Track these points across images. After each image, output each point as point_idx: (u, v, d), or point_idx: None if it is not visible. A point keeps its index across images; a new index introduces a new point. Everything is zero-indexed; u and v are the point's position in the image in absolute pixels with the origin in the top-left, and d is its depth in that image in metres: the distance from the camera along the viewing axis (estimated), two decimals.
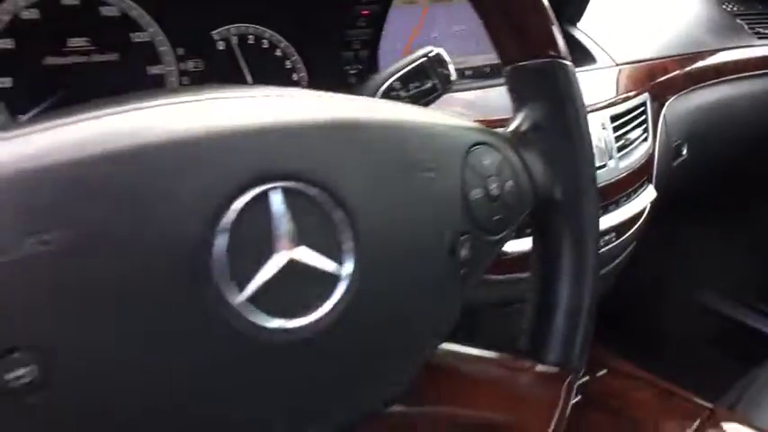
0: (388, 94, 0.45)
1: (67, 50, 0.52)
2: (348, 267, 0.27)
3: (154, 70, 0.56)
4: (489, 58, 0.77)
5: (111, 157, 0.23)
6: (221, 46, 0.59)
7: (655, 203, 0.79)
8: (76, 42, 0.52)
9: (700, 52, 0.98)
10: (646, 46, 0.88)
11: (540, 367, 0.39)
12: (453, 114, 0.36)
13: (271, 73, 0.62)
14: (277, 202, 0.26)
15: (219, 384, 0.25)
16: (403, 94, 0.46)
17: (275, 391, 0.26)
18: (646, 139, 0.78)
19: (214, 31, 0.59)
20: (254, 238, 0.25)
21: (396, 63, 0.47)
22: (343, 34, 0.64)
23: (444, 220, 0.32)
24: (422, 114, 0.34)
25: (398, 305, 0.30)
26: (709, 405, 0.75)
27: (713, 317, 1.38)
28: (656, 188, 0.81)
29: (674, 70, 0.90)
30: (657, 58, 0.88)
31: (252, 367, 0.25)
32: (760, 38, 1.10)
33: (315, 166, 0.27)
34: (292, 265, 0.26)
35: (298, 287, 0.26)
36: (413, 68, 0.46)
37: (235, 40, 0.60)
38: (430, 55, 0.46)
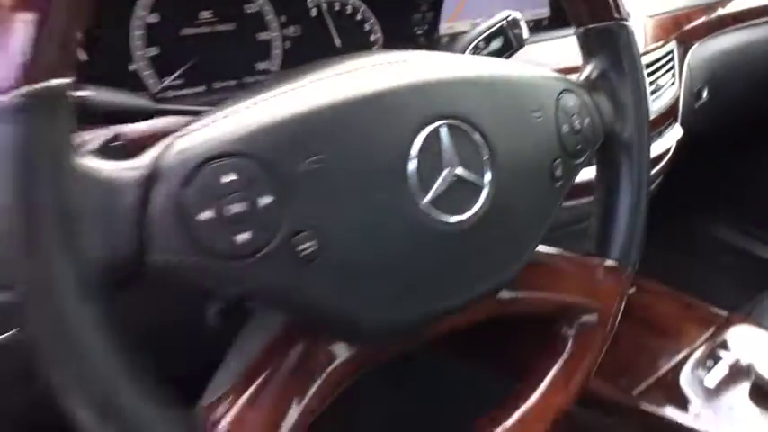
0: (474, 52, 0.56)
1: (199, 22, 0.62)
2: (487, 180, 0.39)
3: (262, 36, 0.67)
4: (532, 13, 0.86)
5: (347, 102, 0.35)
6: (314, 13, 0.69)
7: (680, 141, 0.90)
8: (205, 15, 0.62)
9: (720, 0, 1.07)
10: None
11: (607, 262, 0.51)
12: (544, 69, 0.47)
13: (353, 34, 0.72)
14: (444, 134, 0.37)
15: (412, 253, 0.37)
16: (485, 52, 0.56)
17: (442, 262, 0.38)
18: (673, 84, 0.88)
19: (309, 0, 0.69)
20: (431, 159, 0.37)
21: (480, 25, 0.57)
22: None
23: (545, 148, 0.43)
24: (526, 70, 0.44)
25: (517, 208, 0.41)
26: (724, 313, 0.87)
27: (730, 250, 1.50)
28: (682, 127, 0.91)
29: (697, 19, 0.99)
30: (682, 9, 0.97)
31: (428, 244, 0.37)
32: None
33: (466, 110, 0.38)
34: (455, 177, 0.37)
35: (457, 193, 0.38)
36: (494, 30, 0.56)
37: (325, 8, 0.70)
38: (508, 18, 0.56)
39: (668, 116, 0.85)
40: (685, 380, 0.75)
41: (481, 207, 0.39)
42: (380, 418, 0.77)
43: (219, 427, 0.35)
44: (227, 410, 0.36)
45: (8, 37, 0.27)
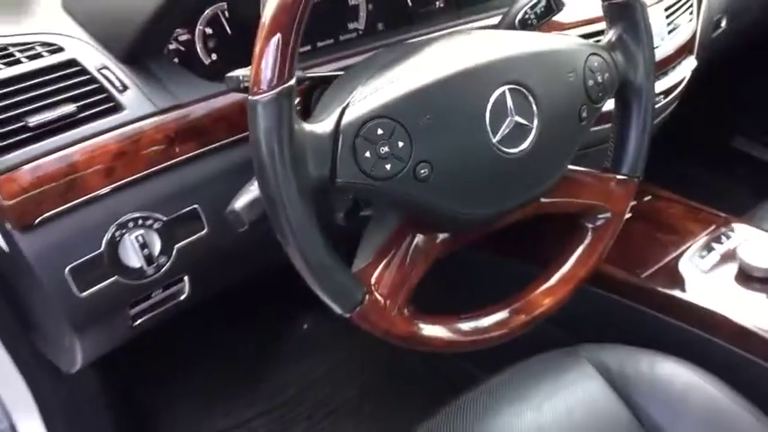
0: (524, 20, 0.73)
1: None
2: (535, 124, 0.59)
3: (352, 1, 0.84)
4: None
5: (446, 78, 0.55)
6: None
7: (695, 70, 1.05)
8: None
9: None
10: None
11: (618, 176, 0.70)
12: (576, 38, 0.65)
13: None
14: (508, 95, 0.57)
15: (487, 172, 0.57)
16: (533, 17, 0.74)
17: (504, 179, 0.59)
18: (691, 21, 1.03)
19: None
20: (500, 110, 0.56)
21: None
22: None
23: (576, 98, 0.62)
24: (563, 41, 0.63)
25: (554, 142, 0.61)
26: (724, 215, 1.05)
27: (746, 160, 1.65)
28: (697, 58, 1.06)
29: None
30: None
31: (497, 167, 0.58)
32: None
33: (522, 77, 0.58)
34: (513, 123, 0.57)
35: (515, 132, 0.58)
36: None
37: None
38: None
39: (683, 51, 1.01)
40: (684, 265, 0.95)
41: (531, 142, 0.59)
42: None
43: (373, 281, 0.58)
44: (372, 273, 0.58)
45: (268, 51, 0.47)
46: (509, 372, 0.78)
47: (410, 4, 0.88)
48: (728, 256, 0.95)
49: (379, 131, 0.52)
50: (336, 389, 1.27)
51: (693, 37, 1.04)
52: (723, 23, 1.18)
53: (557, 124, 0.60)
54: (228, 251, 0.71)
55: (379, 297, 0.57)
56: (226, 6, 0.74)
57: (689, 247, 0.98)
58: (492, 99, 0.56)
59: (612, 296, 0.97)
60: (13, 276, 0.68)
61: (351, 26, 0.85)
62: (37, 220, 0.59)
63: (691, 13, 1.02)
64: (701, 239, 0.99)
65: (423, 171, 0.54)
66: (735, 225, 1.01)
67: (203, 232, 0.69)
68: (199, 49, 0.74)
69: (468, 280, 1.12)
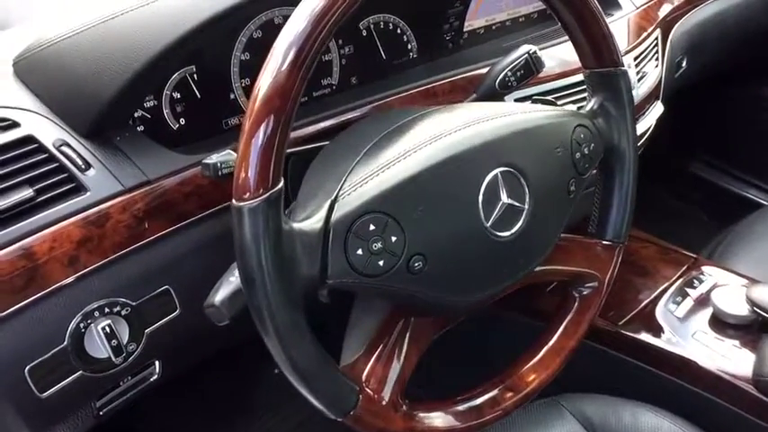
0: (504, 82, 0.72)
1: None
2: (526, 204, 0.57)
3: (325, 57, 0.81)
4: (534, 6, 1.00)
5: (437, 165, 0.52)
6: (364, 33, 0.84)
7: (661, 115, 1.06)
8: None
9: None
10: None
11: (604, 241, 0.70)
12: (562, 109, 0.64)
13: (394, 47, 0.87)
14: (500, 178, 0.55)
15: (477, 259, 0.55)
16: (513, 79, 0.72)
17: (497, 263, 0.57)
18: (657, 66, 1.04)
19: (360, 23, 0.83)
20: (492, 194, 0.55)
21: (505, 59, 0.73)
22: (445, 13, 0.88)
23: (564, 173, 0.61)
24: (550, 113, 0.61)
25: (545, 218, 0.59)
26: (693, 255, 1.07)
27: (703, 185, 1.70)
28: (663, 100, 1.08)
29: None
30: None
31: (490, 251, 0.56)
32: None
33: (513, 158, 0.56)
34: (505, 206, 0.55)
35: (507, 215, 0.56)
36: (519, 63, 0.72)
37: (372, 27, 0.84)
38: (530, 52, 0.72)
39: (651, 97, 1.02)
40: (660, 312, 0.96)
41: (522, 222, 0.57)
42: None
43: (364, 378, 0.55)
44: (364, 369, 0.55)
45: (254, 153, 0.44)
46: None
47: (384, 56, 0.85)
48: (702, 302, 0.96)
49: (371, 227, 0.49)
50: None
51: (659, 82, 1.06)
52: (684, 63, 1.20)
53: (548, 201, 0.59)
54: (203, 330, 0.67)
55: (371, 393, 0.54)
56: (194, 69, 0.70)
57: (663, 291, 1.00)
58: (485, 183, 0.54)
59: (592, 344, 0.97)
60: None
61: (324, 82, 0.82)
62: None
63: (657, 59, 1.03)
64: (675, 284, 1.01)
65: (416, 264, 0.51)
66: (705, 268, 1.03)
67: (175, 313, 0.65)
68: (166, 115, 0.69)
69: (463, 333, 1.10)
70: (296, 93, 0.45)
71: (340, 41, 0.82)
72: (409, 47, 0.88)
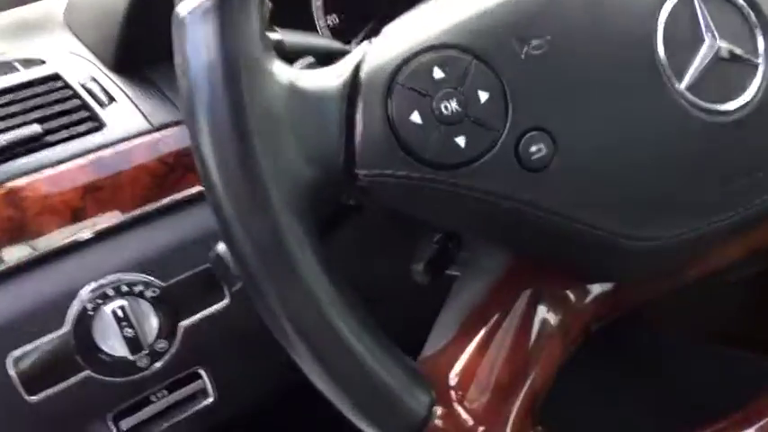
0: None
1: None
2: (762, 50, 0.30)
3: None
4: None
5: None
6: None
7: None
8: None
9: None
10: None
11: None
12: None
13: None
14: (697, 3, 0.29)
15: (667, 154, 0.29)
16: None
17: (709, 163, 0.30)
18: None
19: None
20: (684, 31, 0.29)
21: None
22: None
23: None
24: None
25: None
26: None
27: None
28: None
29: None
30: None
31: (690, 141, 0.29)
32: None
33: None
34: (716, 52, 0.29)
35: (722, 73, 0.29)
36: None
37: None
38: None
39: None
40: None
41: (759, 88, 0.30)
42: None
43: (450, 377, 0.31)
44: (453, 362, 0.31)
45: None
46: None
47: None
48: None
49: (438, 74, 0.27)
50: None
51: None
52: None
53: None
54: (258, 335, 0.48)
55: (461, 412, 0.29)
56: None
57: None
58: (667, 4, 0.29)
59: None
60: None
61: None
62: None
63: None
64: None
65: (533, 150, 0.27)
66: None
67: (223, 303, 0.47)
68: None
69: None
70: None
71: None
72: None
